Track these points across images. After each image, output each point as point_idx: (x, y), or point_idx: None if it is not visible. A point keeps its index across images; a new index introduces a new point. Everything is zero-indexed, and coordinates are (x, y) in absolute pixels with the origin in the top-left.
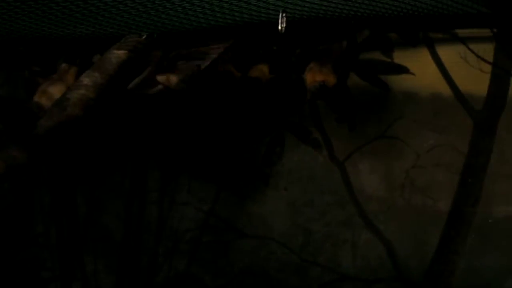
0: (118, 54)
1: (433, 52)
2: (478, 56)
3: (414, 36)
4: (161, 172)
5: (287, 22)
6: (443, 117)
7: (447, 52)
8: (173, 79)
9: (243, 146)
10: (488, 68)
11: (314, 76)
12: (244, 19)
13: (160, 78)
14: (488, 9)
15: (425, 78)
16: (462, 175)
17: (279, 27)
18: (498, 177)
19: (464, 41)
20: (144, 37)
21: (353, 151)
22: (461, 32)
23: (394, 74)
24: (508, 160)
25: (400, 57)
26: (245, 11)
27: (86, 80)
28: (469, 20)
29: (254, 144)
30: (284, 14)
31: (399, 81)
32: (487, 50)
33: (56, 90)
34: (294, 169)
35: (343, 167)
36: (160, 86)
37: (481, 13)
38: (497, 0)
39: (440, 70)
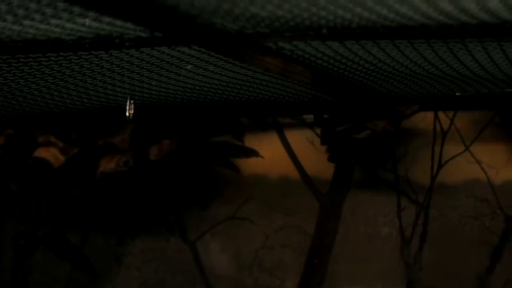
0: None
1: (282, 137)
2: None
3: (264, 121)
4: (15, 251)
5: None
6: (290, 199)
7: (295, 137)
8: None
9: (97, 225)
10: None
11: None
12: (94, 104)
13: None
14: (331, 96)
15: (274, 161)
16: (308, 256)
17: (127, 113)
18: (342, 257)
19: (311, 126)
20: None
21: (204, 232)
22: (309, 117)
23: (244, 157)
24: (352, 241)
25: (251, 141)
26: (94, 98)
27: None
28: (315, 107)
29: (108, 223)
30: (131, 101)
31: (249, 164)
32: None
33: None
34: (147, 249)
35: (194, 247)
36: None
37: (325, 100)
38: (341, 89)
39: (289, 153)
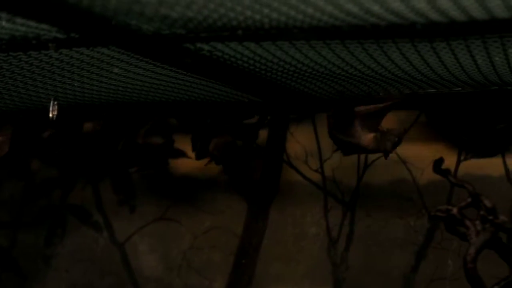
0: None
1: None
2: None
3: (192, 122)
4: None
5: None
6: (219, 200)
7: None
8: None
9: (25, 226)
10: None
11: None
12: (18, 106)
13: None
14: (258, 98)
15: (203, 162)
16: (237, 256)
17: (50, 115)
18: (270, 257)
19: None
20: None
21: (133, 233)
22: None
23: (173, 158)
24: (280, 242)
25: (180, 142)
26: (16, 100)
27: None
28: (242, 108)
29: (37, 224)
30: (55, 102)
31: (177, 164)
32: (261, 136)
33: None
34: (75, 250)
35: (123, 249)
36: None
37: (252, 102)
38: (265, 90)
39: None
